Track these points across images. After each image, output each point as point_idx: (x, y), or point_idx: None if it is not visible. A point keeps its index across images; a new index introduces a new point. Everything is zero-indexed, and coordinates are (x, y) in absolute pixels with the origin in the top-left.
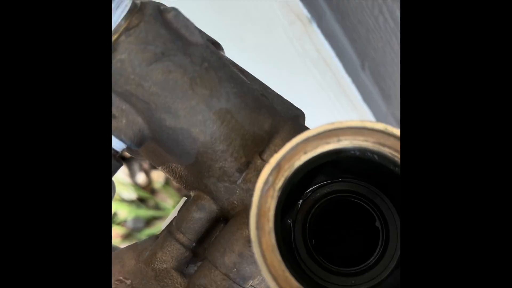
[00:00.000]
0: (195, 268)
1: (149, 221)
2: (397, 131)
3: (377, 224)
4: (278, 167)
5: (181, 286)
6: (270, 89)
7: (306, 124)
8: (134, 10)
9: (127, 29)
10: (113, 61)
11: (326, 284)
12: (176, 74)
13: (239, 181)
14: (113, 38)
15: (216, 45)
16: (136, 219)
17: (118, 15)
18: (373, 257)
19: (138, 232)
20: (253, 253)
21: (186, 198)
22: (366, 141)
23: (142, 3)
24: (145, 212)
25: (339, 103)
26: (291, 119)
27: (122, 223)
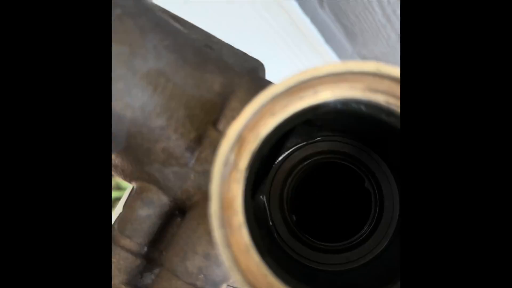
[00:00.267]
0: (153, 276)
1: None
2: (394, 71)
3: (367, 185)
4: (239, 140)
5: None
6: (216, 38)
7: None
8: None
9: None
10: None
11: (316, 265)
12: None
13: (191, 163)
14: None
15: None
16: None
17: None
18: (367, 226)
19: None
20: None
21: (132, 187)
22: (352, 89)
23: None
24: None
25: (298, 49)
26: (248, 73)
27: None
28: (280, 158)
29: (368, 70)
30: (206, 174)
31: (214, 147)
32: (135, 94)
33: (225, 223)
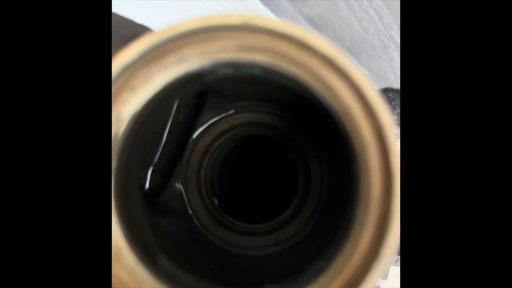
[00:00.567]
0: None
1: None
2: (268, 23)
3: (292, 156)
4: None
5: None
6: None
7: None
8: None
9: None
10: None
11: (244, 250)
12: None
13: None
14: None
15: None
16: None
17: None
18: (295, 202)
19: None
20: None
21: None
22: (223, 49)
23: None
24: None
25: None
26: (126, 42)
27: None
28: (194, 136)
29: (234, 24)
30: None
31: None
32: None
33: None
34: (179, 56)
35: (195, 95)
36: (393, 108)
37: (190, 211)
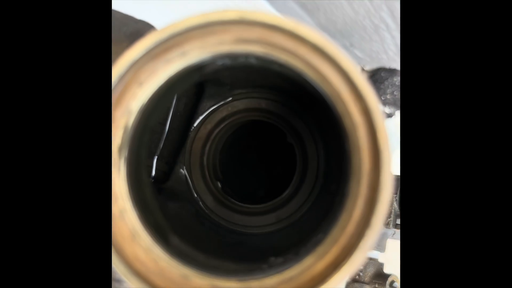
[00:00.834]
0: None
1: None
2: (261, 16)
3: (289, 139)
4: None
5: None
6: None
7: None
8: None
9: None
10: None
11: (247, 229)
12: None
13: None
14: None
15: None
16: None
17: None
18: (293, 181)
19: None
20: None
21: None
22: (221, 42)
23: None
24: None
25: None
26: (128, 38)
27: None
28: (195, 125)
29: (230, 19)
30: None
31: None
32: None
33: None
34: (181, 51)
35: (194, 85)
36: (385, 87)
37: (196, 195)
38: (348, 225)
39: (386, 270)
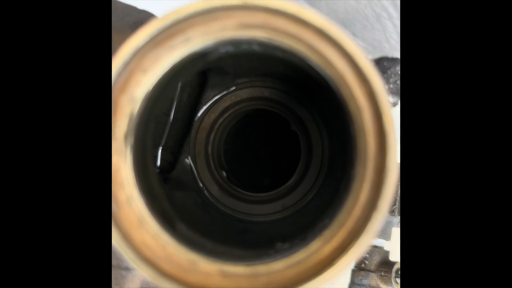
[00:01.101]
0: None
1: None
2: (263, 1)
3: (293, 127)
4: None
5: None
6: None
7: None
8: None
9: None
10: None
11: (253, 218)
12: None
13: None
14: None
15: None
16: None
17: None
18: (298, 169)
19: None
20: None
21: None
22: (224, 28)
23: None
24: None
25: None
26: (131, 28)
27: None
28: (199, 114)
29: (234, 4)
30: None
31: None
32: None
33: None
34: (185, 37)
35: (198, 75)
36: (388, 76)
37: (201, 185)
38: (355, 208)
39: (391, 258)
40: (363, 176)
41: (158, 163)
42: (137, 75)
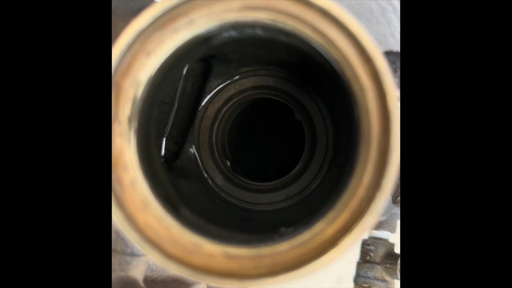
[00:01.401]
0: None
1: None
2: None
3: (297, 116)
4: (114, 87)
5: None
6: None
7: None
8: None
9: None
10: None
11: (257, 207)
12: None
13: None
14: None
15: None
16: None
17: None
18: (302, 158)
19: None
20: None
21: None
22: (228, 10)
23: None
24: None
25: None
26: (134, 14)
27: None
28: (203, 104)
29: None
30: None
31: None
32: None
33: (114, 181)
34: (188, 19)
35: (201, 63)
36: (394, 71)
37: (205, 174)
38: (358, 189)
39: (397, 250)
40: (367, 157)
41: (163, 152)
42: (140, 58)
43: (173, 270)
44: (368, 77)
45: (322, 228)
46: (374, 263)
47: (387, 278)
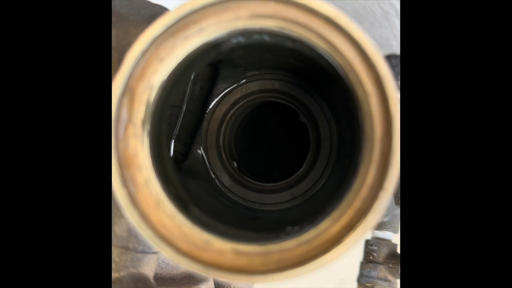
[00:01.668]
0: None
1: None
2: None
3: (302, 119)
4: (129, 91)
5: None
6: None
7: None
8: None
9: None
10: None
11: (263, 207)
12: None
13: None
14: None
15: None
16: None
17: None
18: (307, 160)
19: None
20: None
21: None
22: (237, 18)
23: None
24: None
25: None
26: (147, 21)
27: None
28: (210, 106)
29: None
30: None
31: None
32: None
33: (128, 181)
34: (199, 27)
35: (209, 68)
36: (396, 74)
37: (213, 175)
38: (362, 189)
39: (399, 250)
40: (370, 159)
41: (171, 154)
42: (154, 64)
43: (185, 265)
44: (371, 83)
45: (327, 226)
46: (377, 263)
47: (390, 277)
